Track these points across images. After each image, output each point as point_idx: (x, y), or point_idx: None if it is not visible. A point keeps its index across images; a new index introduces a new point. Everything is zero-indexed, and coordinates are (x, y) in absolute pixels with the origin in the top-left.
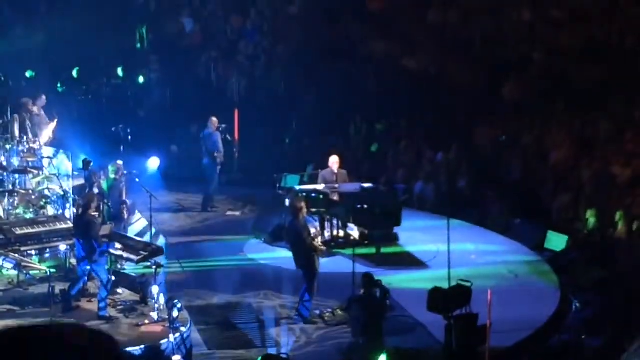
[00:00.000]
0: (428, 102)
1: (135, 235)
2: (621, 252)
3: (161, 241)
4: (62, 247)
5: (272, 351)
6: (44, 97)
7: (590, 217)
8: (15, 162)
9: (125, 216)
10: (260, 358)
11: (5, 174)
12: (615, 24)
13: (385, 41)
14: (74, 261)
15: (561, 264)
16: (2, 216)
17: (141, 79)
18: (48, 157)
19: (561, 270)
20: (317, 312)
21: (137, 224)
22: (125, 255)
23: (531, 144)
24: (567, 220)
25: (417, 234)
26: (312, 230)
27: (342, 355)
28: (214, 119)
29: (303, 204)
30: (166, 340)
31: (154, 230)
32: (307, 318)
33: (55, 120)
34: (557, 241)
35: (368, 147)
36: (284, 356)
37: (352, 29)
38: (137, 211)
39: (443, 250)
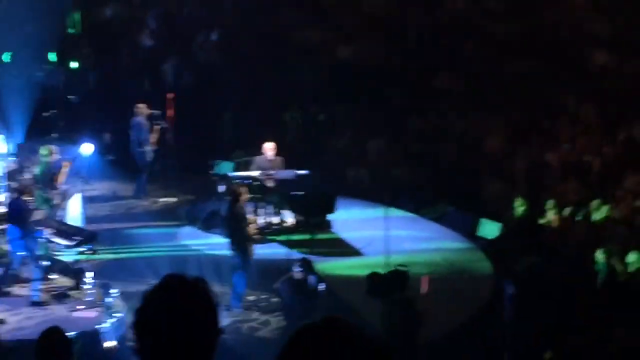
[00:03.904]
0: (362, 90)
1: (69, 221)
2: (553, 239)
3: (94, 227)
4: None
5: None
6: None
7: (519, 206)
8: None
9: (59, 201)
10: None
11: None
12: (550, 15)
13: (320, 30)
14: (5, 246)
15: (494, 250)
16: None
17: (74, 64)
18: None
19: (494, 257)
20: (252, 298)
21: (70, 210)
22: (59, 240)
23: (464, 132)
24: (500, 207)
25: (351, 222)
26: (249, 217)
27: (277, 340)
28: (142, 106)
29: (244, 191)
30: (101, 325)
31: (87, 216)
32: (239, 306)
33: None
34: (489, 228)
35: (303, 135)
36: None
37: (287, 16)
38: (70, 196)
39: (378, 238)
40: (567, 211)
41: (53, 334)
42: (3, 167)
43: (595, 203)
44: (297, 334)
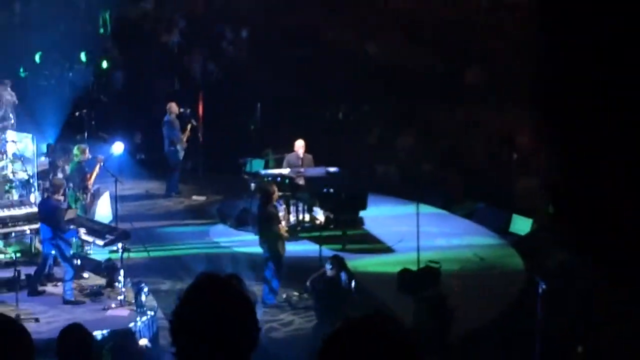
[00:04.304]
0: (391, 87)
1: (100, 220)
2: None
3: (126, 226)
4: (27, 231)
5: None
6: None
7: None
8: None
9: (90, 200)
10: None
11: None
12: None
13: (350, 27)
14: (39, 245)
15: (526, 246)
16: None
17: (104, 64)
18: (12, 141)
19: (526, 253)
20: (284, 296)
21: (102, 209)
22: (91, 239)
23: (494, 128)
24: (531, 203)
25: (383, 218)
26: (280, 214)
27: (309, 338)
28: (173, 105)
29: (275, 189)
30: (133, 324)
31: (119, 214)
32: (274, 302)
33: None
34: (522, 224)
35: (332, 132)
36: None
37: (316, 14)
38: (100, 196)
39: (409, 235)
40: None
41: (73, 331)
42: (34, 167)
43: None
44: (337, 331)
